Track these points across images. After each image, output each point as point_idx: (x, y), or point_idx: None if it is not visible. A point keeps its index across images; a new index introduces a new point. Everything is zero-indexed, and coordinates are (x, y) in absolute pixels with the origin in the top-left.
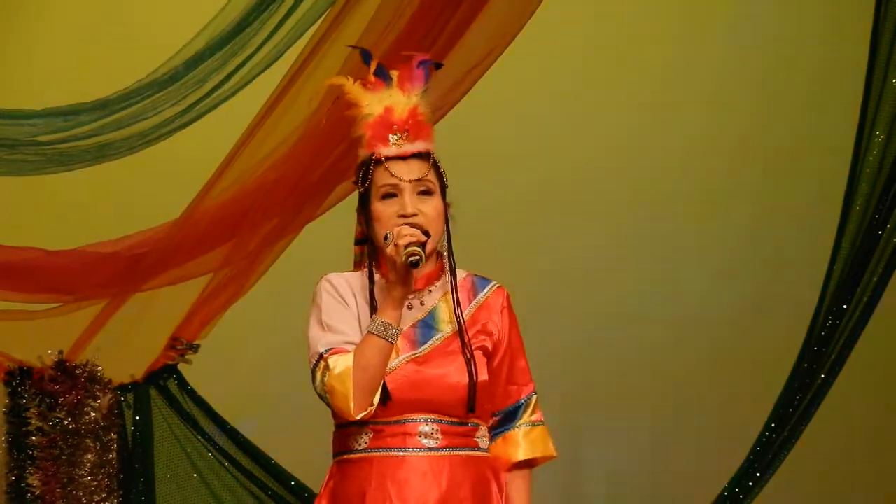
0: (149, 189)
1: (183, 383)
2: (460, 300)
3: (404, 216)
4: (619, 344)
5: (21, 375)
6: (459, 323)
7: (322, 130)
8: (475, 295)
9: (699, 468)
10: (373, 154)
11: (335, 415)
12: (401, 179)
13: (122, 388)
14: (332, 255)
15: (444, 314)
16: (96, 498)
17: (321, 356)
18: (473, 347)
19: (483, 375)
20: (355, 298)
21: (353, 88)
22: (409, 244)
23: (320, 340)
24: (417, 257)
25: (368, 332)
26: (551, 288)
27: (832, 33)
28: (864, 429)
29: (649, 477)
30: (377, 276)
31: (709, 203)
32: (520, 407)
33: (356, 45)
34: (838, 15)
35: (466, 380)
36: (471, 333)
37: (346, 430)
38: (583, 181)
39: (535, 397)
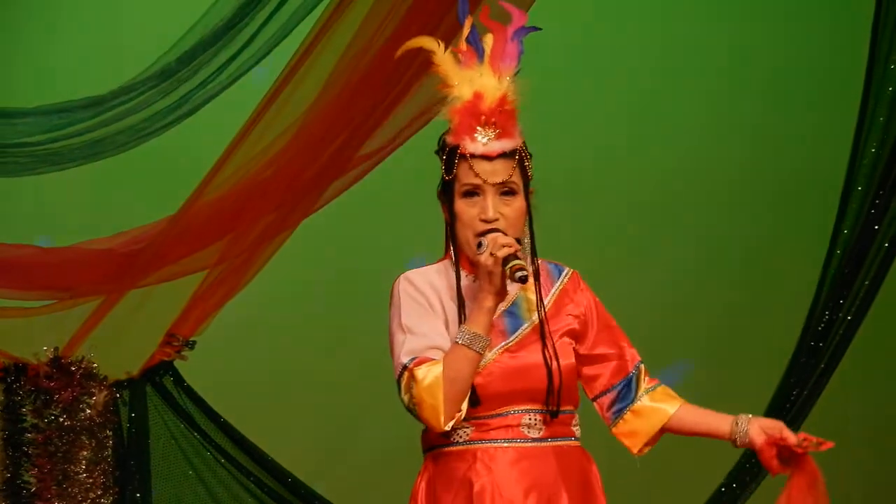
0: (145, 185)
1: (179, 380)
2: (541, 288)
3: (485, 220)
4: None
5: (16, 372)
6: (541, 318)
7: (318, 126)
8: (553, 283)
9: (695, 463)
10: (458, 147)
11: None
12: (484, 181)
13: (118, 384)
14: (328, 251)
15: (527, 303)
16: (92, 495)
17: (405, 367)
18: (561, 332)
19: (569, 359)
20: (439, 296)
21: (444, 60)
22: (510, 257)
23: (403, 348)
24: (525, 273)
25: (457, 342)
26: None
27: (833, 28)
28: (861, 423)
29: (644, 473)
30: (462, 273)
31: (704, 196)
32: (632, 378)
33: (351, 43)
34: (839, 7)
35: (549, 369)
36: (556, 320)
37: None
38: (579, 176)
39: (643, 365)
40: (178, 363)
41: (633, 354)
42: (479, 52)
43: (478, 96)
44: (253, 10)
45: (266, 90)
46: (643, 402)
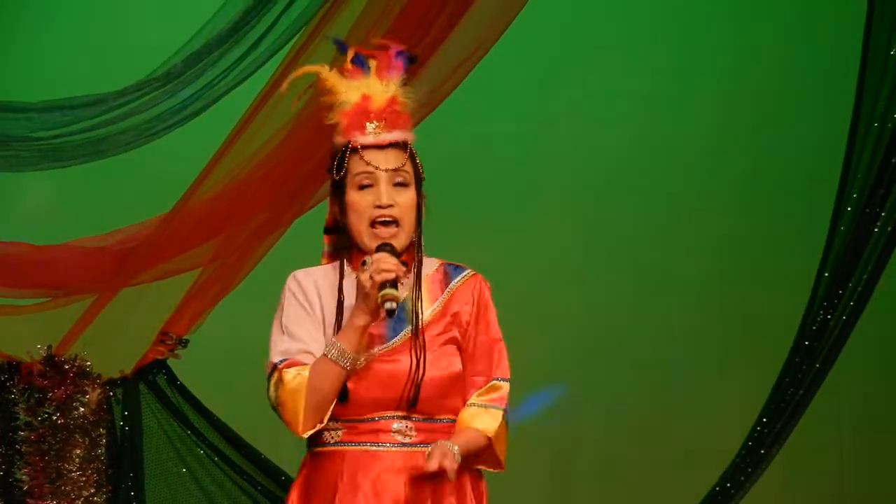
0: (139, 184)
1: (172, 378)
2: (432, 291)
3: (380, 207)
4: (605, 336)
5: (10, 370)
6: (417, 325)
7: (311, 125)
8: (447, 285)
9: (690, 463)
10: (349, 142)
11: None
12: (377, 168)
13: (111, 382)
14: (320, 249)
15: (413, 305)
16: (85, 493)
17: (275, 367)
18: (444, 340)
19: (452, 367)
20: (320, 299)
21: (329, 76)
22: (387, 283)
23: (277, 347)
24: (394, 306)
25: (325, 355)
26: (540, 285)
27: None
28: (856, 423)
29: (639, 472)
30: (348, 270)
31: (699, 196)
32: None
33: (345, 41)
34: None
35: (436, 374)
36: (441, 325)
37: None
38: (573, 177)
39: (499, 383)
40: (171, 361)
41: (493, 371)
42: (364, 69)
43: (365, 98)
44: (259, 14)
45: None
46: (464, 410)
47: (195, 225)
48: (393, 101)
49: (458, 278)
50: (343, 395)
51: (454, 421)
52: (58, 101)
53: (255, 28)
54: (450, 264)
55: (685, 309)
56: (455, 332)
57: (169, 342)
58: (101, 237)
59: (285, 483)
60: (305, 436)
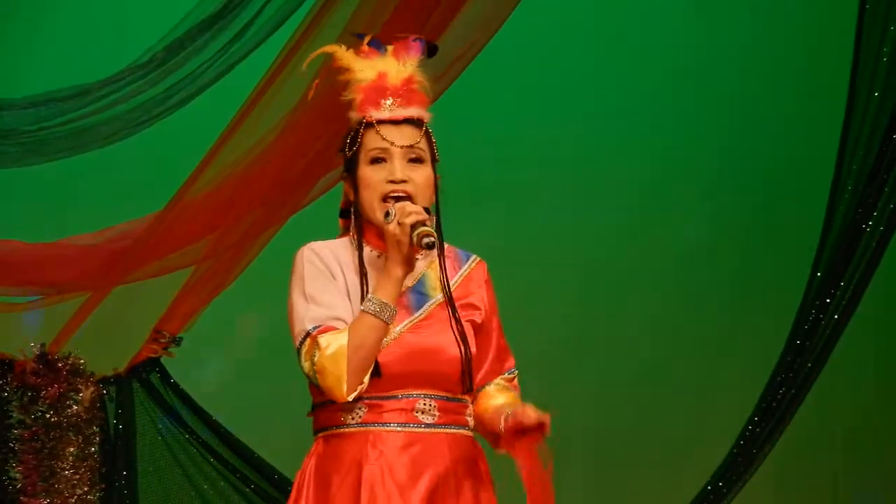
0: (133, 182)
1: (165, 376)
2: (447, 270)
3: (393, 182)
4: (599, 337)
5: (3, 368)
6: (449, 298)
7: (306, 122)
8: (460, 266)
9: (682, 462)
10: (364, 117)
11: (318, 392)
12: (392, 144)
13: (105, 380)
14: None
15: (433, 281)
16: (78, 491)
17: (308, 334)
18: (465, 318)
19: (472, 346)
20: (342, 269)
21: (345, 55)
22: (418, 223)
23: (306, 315)
24: (432, 239)
25: (364, 311)
26: (531, 285)
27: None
28: (847, 422)
29: (630, 471)
30: (365, 246)
31: (693, 195)
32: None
33: (342, 35)
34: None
35: (460, 352)
36: (460, 304)
37: (336, 405)
38: (570, 175)
39: (516, 372)
40: (164, 360)
41: (508, 359)
42: (381, 50)
43: (381, 75)
44: (244, 2)
45: (256, 84)
46: (488, 388)
47: (189, 222)
48: (410, 79)
49: (470, 262)
50: (375, 370)
51: (467, 402)
52: (41, 95)
53: (239, 16)
54: (456, 247)
55: (678, 308)
56: (474, 316)
57: (162, 340)
58: (94, 234)
59: (278, 481)
60: (350, 399)
